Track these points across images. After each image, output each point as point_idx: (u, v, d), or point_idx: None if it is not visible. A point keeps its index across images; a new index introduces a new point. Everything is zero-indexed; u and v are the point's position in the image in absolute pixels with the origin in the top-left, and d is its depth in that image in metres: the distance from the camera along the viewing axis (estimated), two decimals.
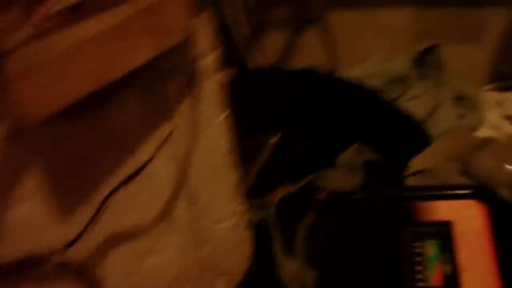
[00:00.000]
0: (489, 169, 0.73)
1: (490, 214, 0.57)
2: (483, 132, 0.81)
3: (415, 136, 0.80)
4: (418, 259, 0.55)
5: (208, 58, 0.55)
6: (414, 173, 0.71)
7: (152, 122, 0.51)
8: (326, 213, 0.63)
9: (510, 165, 0.74)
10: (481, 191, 0.60)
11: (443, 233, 0.57)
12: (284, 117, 0.79)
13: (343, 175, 0.70)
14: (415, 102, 0.83)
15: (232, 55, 0.89)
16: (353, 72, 0.91)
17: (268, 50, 1.01)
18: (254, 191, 0.73)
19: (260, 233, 0.68)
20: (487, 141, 0.78)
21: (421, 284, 0.53)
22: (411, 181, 0.71)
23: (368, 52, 0.94)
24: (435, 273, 0.54)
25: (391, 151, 0.75)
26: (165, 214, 0.55)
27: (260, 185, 0.74)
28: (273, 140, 0.80)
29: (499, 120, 0.82)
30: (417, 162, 0.73)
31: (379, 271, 0.55)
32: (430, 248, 0.56)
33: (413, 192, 0.63)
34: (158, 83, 0.51)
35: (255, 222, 0.67)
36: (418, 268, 0.54)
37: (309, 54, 0.99)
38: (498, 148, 0.75)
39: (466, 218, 0.58)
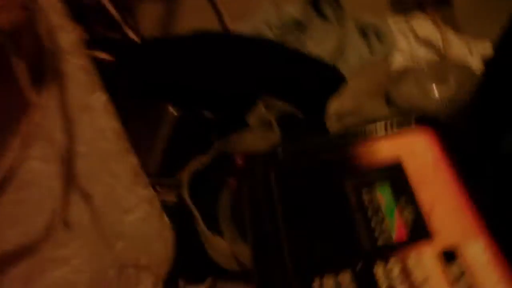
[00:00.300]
0: (415, 97, 0.70)
1: (442, 141, 0.51)
2: (398, 61, 0.78)
3: (327, 79, 0.75)
4: (371, 212, 0.47)
5: (65, 39, 0.48)
6: (336, 117, 0.66)
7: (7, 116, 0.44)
8: (249, 179, 0.57)
9: (434, 89, 0.72)
10: (424, 119, 0.53)
11: (394, 175, 0.49)
12: (181, 86, 0.72)
13: (257, 135, 0.64)
14: (319, 44, 0.78)
15: (111, 31, 0.82)
16: (245, 26, 0.85)
17: (149, 21, 0.93)
18: (162, 171, 0.67)
19: (180, 216, 0.62)
20: (405, 69, 0.75)
21: (381, 242, 0.45)
22: (334, 126, 0.66)
23: (256, 2, 0.88)
24: (396, 225, 0.46)
25: (305, 99, 0.71)
26: (59, 218, 0.48)
27: (168, 162, 0.68)
28: (175, 112, 0.74)
29: (411, 47, 0.80)
30: (337, 105, 0.69)
31: (327, 237, 0.46)
32: (383, 196, 0.49)
33: (345, 137, 0.54)
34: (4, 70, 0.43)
35: (170, 205, 0.62)
36: (374, 223, 0.46)
37: (195, 17, 0.92)
38: (418, 74, 0.72)
39: (416, 151, 0.51)
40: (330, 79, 0.74)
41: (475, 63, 0.79)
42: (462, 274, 0.42)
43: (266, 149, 0.60)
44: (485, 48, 0.80)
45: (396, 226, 0.47)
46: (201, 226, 0.59)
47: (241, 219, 0.57)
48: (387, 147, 0.52)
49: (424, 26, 0.84)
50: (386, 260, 0.44)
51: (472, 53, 0.81)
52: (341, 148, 0.53)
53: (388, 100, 0.73)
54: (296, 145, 0.54)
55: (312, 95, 0.72)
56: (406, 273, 0.43)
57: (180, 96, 0.70)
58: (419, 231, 0.45)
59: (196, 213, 0.59)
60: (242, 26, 0.84)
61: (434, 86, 0.72)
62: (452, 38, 0.82)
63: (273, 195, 0.50)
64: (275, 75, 0.72)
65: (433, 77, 0.73)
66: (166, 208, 0.56)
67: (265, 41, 0.76)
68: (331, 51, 0.76)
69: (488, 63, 0.66)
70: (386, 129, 0.53)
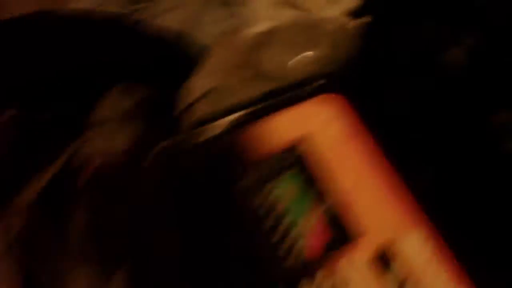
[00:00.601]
0: (286, 63, 0.62)
1: (356, 111, 0.42)
2: (261, 26, 0.70)
3: (177, 56, 0.65)
4: (273, 220, 0.37)
5: None
6: (200, 98, 0.56)
7: None
8: (110, 188, 0.44)
9: (306, 51, 0.64)
10: (327, 84, 0.44)
11: (297, 164, 0.39)
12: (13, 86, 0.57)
13: (111, 129, 0.52)
14: (169, 16, 0.67)
15: None
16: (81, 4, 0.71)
17: None
18: None
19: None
20: (269, 34, 0.66)
21: (295, 258, 0.36)
22: (202, 110, 0.56)
23: None
24: (310, 229, 0.37)
25: (158, 81, 0.60)
26: None
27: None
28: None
29: (274, 8, 0.71)
30: (199, 84, 0.59)
31: (230, 270, 0.36)
32: (286, 194, 0.39)
33: (227, 124, 0.43)
34: None
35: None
36: (280, 235, 0.37)
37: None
38: (285, 38, 0.64)
39: (322, 129, 0.41)
40: (181, 57, 0.64)
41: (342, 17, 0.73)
42: (404, 276, 0.34)
43: (129, 147, 0.48)
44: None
45: (311, 231, 0.38)
46: (53, 261, 0.45)
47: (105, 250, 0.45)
48: (283, 128, 0.43)
49: None
50: (312, 273, 0.35)
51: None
52: (226, 139, 0.43)
53: (257, 71, 0.65)
54: (168, 142, 0.43)
55: (165, 77, 0.62)
56: (340, 285, 0.34)
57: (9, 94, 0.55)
58: (342, 230, 0.37)
59: (46, 244, 0.45)
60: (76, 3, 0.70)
61: (305, 48, 0.65)
62: None
63: (146, 208, 0.39)
64: (119, 58, 0.60)
65: (302, 39, 0.66)
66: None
67: (104, 19, 0.63)
68: (184, 21, 0.65)
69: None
70: (276, 106, 0.44)
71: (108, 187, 0.42)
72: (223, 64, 0.66)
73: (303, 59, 0.64)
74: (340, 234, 0.36)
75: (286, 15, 0.73)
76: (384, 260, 0.34)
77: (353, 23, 0.69)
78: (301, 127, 0.41)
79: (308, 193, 0.39)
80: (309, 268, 0.35)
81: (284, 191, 0.39)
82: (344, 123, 0.42)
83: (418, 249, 0.35)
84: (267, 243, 0.36)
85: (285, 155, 0.40)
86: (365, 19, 0.60)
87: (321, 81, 0.43)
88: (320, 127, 0.41)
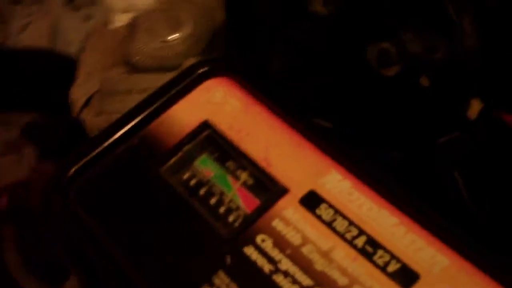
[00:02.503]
0: (155, 51, 0.64)
1: (247, 85, 0.45)
2: (119, 21, 0.70)
3: (46, 72, 0.64)
4: (205, 194, 0.41)
5: None
6: (86, 105, 0.57)
7: None
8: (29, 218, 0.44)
9: (172, 35, 0.66)
10: (215, 64, 0.46)
11: (208, 141, 0.43)
12: None
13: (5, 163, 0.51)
14: (24, 36, 0.66)
15: None
16: None
17: None
18: None
19: None
20: (130, 25, 0.67)
21: (236, 223, 0.39)
22: (91, 120, 0.57)
23: None
24: (239, 196, 0.41)
25: (37, 103, 0.59)
26: None
27: None
28: None
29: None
30: (78, 93, 0.59)
31: (174, 248, 0.39)
32: (208, 169, 0.42)
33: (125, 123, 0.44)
34: None
35: None
36: (214, 206, 0.40)
37: None
38: (147, 25, 0.65)
39: (222, 106, 0.44)
40: (49, 67, 0.64)
41: None
42: (334, 213, 0.39)
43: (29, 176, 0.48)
44: None
45: (240, 197, 0.41)
46: None
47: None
48: (184, 114, 0.45)
49: None
50: (252, 239, 0.39)
51: None
52: (135, 138, 0.45)
53: (130, 65, 0.66)
54: (76, 156, 0.44)
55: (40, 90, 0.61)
56: (280, 242, 0.38)
57: None
58: (268, 191, 0.40)
59: None
60: None
61: (169, 31, 0.67)
62: None
63: (82, 229, 0.40)
64: None
65: (165, 22, 0.68)
66: None
67: None
68: (41, 35, 0.65)
69: None
70: (170, 94, 0.46)
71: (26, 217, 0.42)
72: (96, 66, 0.67)
73: (170, 42, 0.66)
74: (267, 192, 0.40)
75: (141, 4, 0.75)
76: (311, 203, 0.39)
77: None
78: (200, 112, 0.44)
79: (225, 163, 0.42)
80: (246, 232, 0.38)
81: (205, 166, 0.42)
82: (241, 97, 0.45)
83: (339, 187, 0.39)
84: (210, 211, 0.40)
85: (194, 137, 0.43)
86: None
87: (205, 67, 0.46)
88: (217, 107, 0.44)
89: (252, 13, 0.60)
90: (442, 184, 0.49)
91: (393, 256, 0.36)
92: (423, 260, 0.35)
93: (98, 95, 0.64)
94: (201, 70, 0.46)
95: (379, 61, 0.50)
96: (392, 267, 0.35)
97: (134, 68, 0.65)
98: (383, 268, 0.35)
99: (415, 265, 0.35)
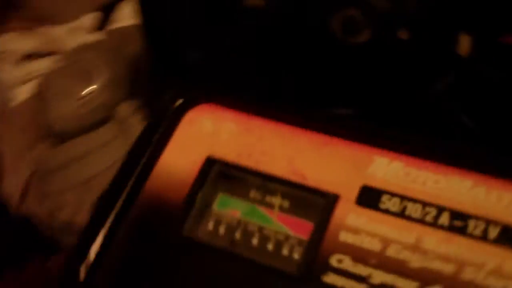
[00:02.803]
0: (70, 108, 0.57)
1: (230, 102, 0.39)
2: (21, 93, 0.63)
3: None
4: (239, 237, 0.35)
5: None
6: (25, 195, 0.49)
7: None
8: None
9: (82, 91, 0.59)
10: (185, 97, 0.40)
11: (220, 178, 0.37)
12: None
13: None
14: None
15: None
16: None
17: None
18: None
19: None
20: (37, 95, 0.60)
21: (288, 253, 0.34)
22: (35, 206, 0.49)
23: None
24: (281, 225, 0.35)
25: None
26: None
27: None
28: None
29: (25, 65, 0.64)
30: (10, 186, 0.51)
31: None
32: (230, 210, 0.36)
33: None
34: None
35: None
36: (259, 248, 0.34)
37: None
38: (60, 84, 0.58)
39: (215, 134, 0.38)
40: None
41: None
42: (400, 201, 0.34)
43: None
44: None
45: (285, 225, 0.35)
46: None
47: None
48: (179, 158, 0.38)
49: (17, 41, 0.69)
50: (326, 265, 0.33)
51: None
52: (135, 207, 0.38)
53: (55, 135, 0.58)
54: (80, 251, 0.36)
55: None
56: (359, 255, 0.33)
57: None
58: (315, 206, 0.35)
59: None
60: None
61: (82, 87, 0.60)
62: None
63: None
64: None
65: (74, 79, 0.61)
66: None
67: None
68: None
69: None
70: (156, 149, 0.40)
71: None
72: (19, 151, 0.60)
73: (87, 96, 0.60)
74: (317, 214, 0.34)
75: (41, 67, 0.68)
76: (373, 202, 0.34)
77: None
78: (196, 150, 0.38)
79: (251, 200, 0.37)
80: (318, 260, 0.33)
81: (229, 210, 0.36)
82: (230, 120, 0.39)
83: (391, 171, 0.35)
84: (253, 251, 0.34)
85: (205, 183, 0.37)
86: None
87: (178, 101, 0.40)
88: (213, 138, 0.38)
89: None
90: (453, 131, 0.46)
91: (488, 221, 0.32)
92: None
93: (35, 180, 0.56)
94: (175, 105, 0.40)
95: (345, 31, 0.46)
96: (493, 232, 0.31)
97: (61, 137, 0.58)
98: (484, 238, 0.31)
99: None
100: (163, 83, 0.60)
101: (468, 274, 0.30)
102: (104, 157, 0.58)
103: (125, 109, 0.61)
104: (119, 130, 0.60)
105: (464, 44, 0.44)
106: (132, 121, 0.60)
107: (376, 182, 0.34)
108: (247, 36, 0.51)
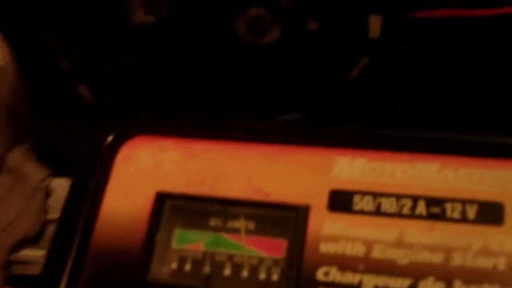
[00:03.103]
0: None
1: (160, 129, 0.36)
2: None
3: None
4: (207, 271, 0.32)
5: None
6: None
7: None
8: None
9: None
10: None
11: (174, 212, 0.34)
12: None
13: None
14: None
15: None
16: None
17: None
18: None
19: None
20: None
21: (266, 277, 0.31)
22: None
23: None
24: (252, 248, 0.32)
25: None
26: None
27: None
28: None
29: None
30: None
31: None
32: (192, 244, 0.33)
33: None
34: None
35: None
36: (233, 278, 0.32)
37: None
38: None
39: (157, 167, 0.35)
40: None
41: None
42: (373, 198, 0.33)
43: None
44: None
45: (256, 248, 0.33)
46: None
47: None
48: (124, 199, 0.35)
49: None
50: (313, 281, 0.31)
51: None
52: (89, 264, 0.33)
53: None
54: None
55: None
56: (345, 263, 0.31)
57: None
58: (286, 221, 0.33)
59: None
60: None
61: None
62: None
63: None
64: None
65: None
66: None
67: None
68: None
69: None
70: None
71: None
72: None
73: None
74: (289, 229, 0.32)
75: None
76: (346, 205, 0.32)
77: None
78: (140, 188, 0.35)
79: (212, 229, 0.34)
80: (303, 278, 0.31)
81: (191, 244, 0.33)
82: (170, 149, 0.36)
83: (355, 169, 0.33)
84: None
85: (159, 221, 0.34)
86: None
87: (107, 138, 0.36)
88: (156, 172, 0.35)
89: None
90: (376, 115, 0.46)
91: (464, 202, 0.31)
92: (493, 187, 0.31)
93: None
94: (105, 143, 0.36)
95: (252, 32, 0.45)
96: (471, 212, 0.31)
97: None
98: (464, 219, 0.31)
99: (491, 196, 0.31)
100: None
101: (457, 259, 0.30)
102: (2, 212, 0.53)
103: (15, 157, 0.56)
104: (14, 180, 0.55)
105: (374, 25, 0.44)
106: (26, 169, 0.55)
107: (344, 184, 0.33)
108: (141, 55, 0.49)
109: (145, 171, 0.36)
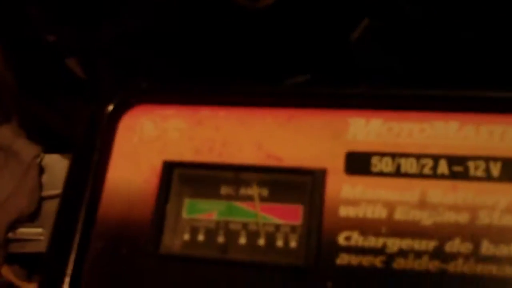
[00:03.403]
0: None
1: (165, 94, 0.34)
2: None
3: None
4: (222, 241, 0.31)
5: None
6: None
7: None
8: None
9: None
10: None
11: (183, 181, 0.32)
12: None
13: None
14: None
15: None
16: None
17: None
18: None
19: None
20: None
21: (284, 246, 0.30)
22: None
23: None
24: (267, 216, 0.31)
25: None
26: None
27: None
28: None
29: None
30: None
31: None
32: (204, 214, 0.32)
33: None
34: None
35: None
36: (251, 247, 0.31)
37: None
38: None
39: (163, 135, 0.34)
40: None
41: None
42: (392, 159, 0.31)
43: None
44: None
45: (271, 216, 0.32)
46: None
47: None
48: (129, 169, 0.33)
49: None
50: (335, 246, 0.30)
51: None
52: (97, 236, 0.32)
53: None
54: None
55: None
56: (367, 227, 0.30)
57: None
58: (301, 186, 0.31)
59: None
60: None
61: None
62: None
63: None
64: None
65: None
66: None
67: None
68: None
69: None
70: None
71: None
72: None
73: None
74: (306, 194, 0.31)
75: None
76: (364, 167, 0.31)
77: None
78: (146, 157, 0.33)
79: (225, 197, 0.32)
80: (324, 243, 0.30)
81: (203, 214, 0.32)
82: (175, 116, 0.35)
83: (371, 130, 0.32)
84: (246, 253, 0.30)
85: (169, 190, 0.32)
86: None
87: (109, 106, 0.35)
88: (162, 141, 0.33)
89: None
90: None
91: (487, 159, 0.30)
92: None
93: None
94: (106, 114, 0.35)
95: None
96: (495, 169, 0.30)
97: None
98: (488, 177, 0.29)
99: None
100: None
101: (483, 219, 0.29)
102: None
103: (4, 134, 0.54)
104: (4, 158, 0.53)
105: None
106: (17, 146, 0.54)
107: (360, 146, 0.31)
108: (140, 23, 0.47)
109: (150, 140, 0.34)
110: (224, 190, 0.33)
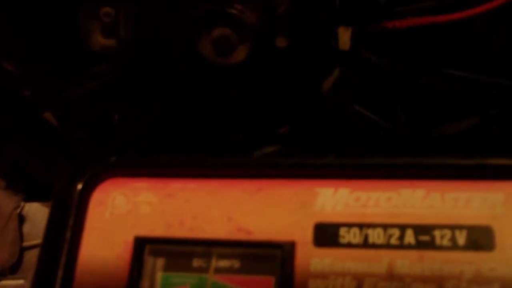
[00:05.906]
0: None
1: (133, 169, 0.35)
2: None
3: None
4: None
5: None
6: None
7: None
8: None
9: None
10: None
11: (155, 256, 0.33)
12: None
13: None
14: None
15: None
16: None
17: None
18: None
19: None
20: None
21: None
22: None
23: None
24: None
25: None
26: None
27: None
28: None
29: None
30: None
31: None
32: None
33: None
34: None
35: None
36: None
37: None
38: None
39: (133, 211, 0.34)
40: None
41: None
42: (360, 230, 0.32)
43: None
44: None
45: None
46: None
47: None
48: (102, 245, 0.33)
49: None
50: None
51: None
52: None
53: None
54: None
55: None
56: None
57: None
58: (271, 259, 0.32)
59: None
60: None
61: None
62: None
63: None
64: None
65: None
66: None
67: None
68: None
69: None
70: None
71: None
72: None
73: None
74: (275, 267, 0.32)
75: None
76: (332, 239, 0.32)
77: None
78: (118, 233, 0.34)
79: (196, 270, 0.33)
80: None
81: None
82: (146, 190, 0.35)
83: (339, 200, 0.33)
84: None
85: (141, 266, 0.33)
86: None
87: (79, 183, 0.35)
88: (132, 216, 0.34)
89: None
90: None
91: (452, 227, 0.31)
92: (481, 211, 0.31)
93: None
94: (77, 189, 0.35)
95: (218, 52, 0.43)
96: (461, 238, 0.30)
97: None
98: (454, 247, 0.30)
99: (479, 220, 0.31)
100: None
101: None
102: None
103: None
104: None
105: (344, 37, 0.44)
106: None
107: (328, 217, 0.32)
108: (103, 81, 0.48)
109: (121, 215, 0.35)
110: (196, 263, 0.33)
